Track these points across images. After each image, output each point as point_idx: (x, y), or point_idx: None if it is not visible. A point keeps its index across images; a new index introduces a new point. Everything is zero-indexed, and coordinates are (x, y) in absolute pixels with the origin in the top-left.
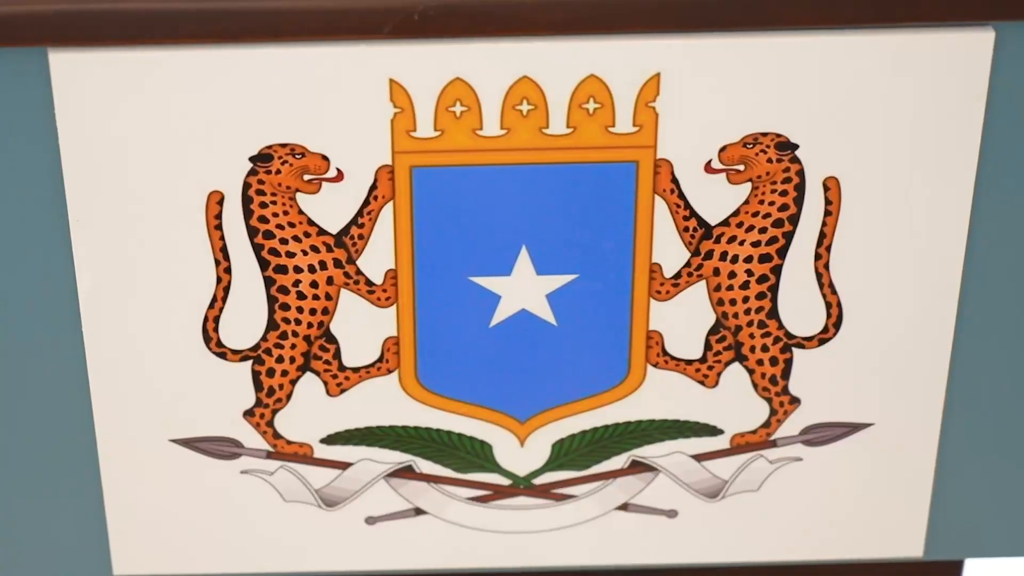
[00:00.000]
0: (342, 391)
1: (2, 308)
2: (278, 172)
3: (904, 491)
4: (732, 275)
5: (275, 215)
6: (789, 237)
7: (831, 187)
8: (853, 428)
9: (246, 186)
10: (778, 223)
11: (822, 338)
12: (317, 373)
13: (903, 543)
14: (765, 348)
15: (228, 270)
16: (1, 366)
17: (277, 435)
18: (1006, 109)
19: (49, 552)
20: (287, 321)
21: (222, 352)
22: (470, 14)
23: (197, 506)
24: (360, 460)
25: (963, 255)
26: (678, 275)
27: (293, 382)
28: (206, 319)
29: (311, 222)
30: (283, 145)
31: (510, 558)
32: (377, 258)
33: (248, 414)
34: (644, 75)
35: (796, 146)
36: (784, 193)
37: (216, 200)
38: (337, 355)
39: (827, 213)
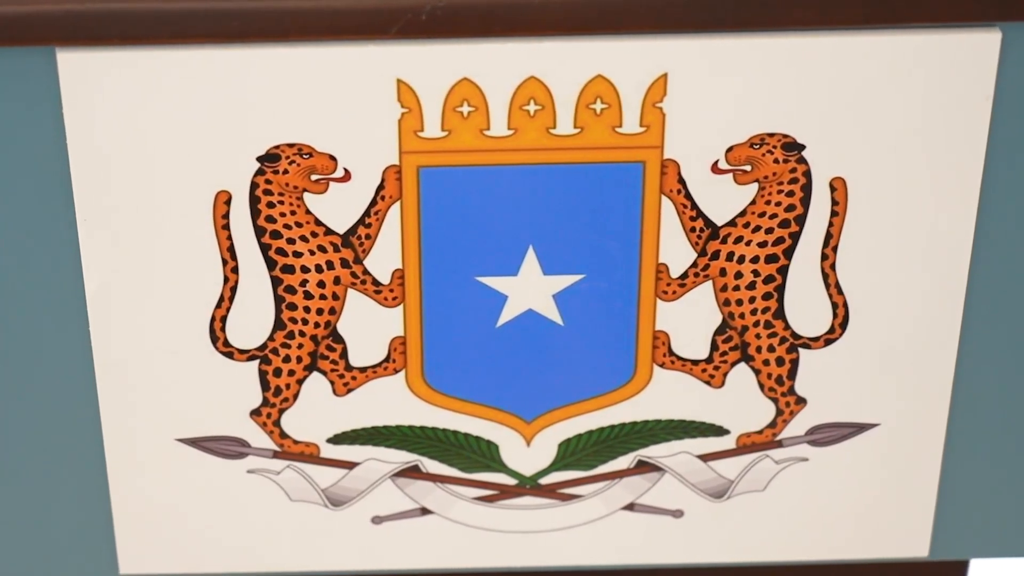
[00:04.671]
0: (349, 391)
1: (10, 307)
2: (285, 172)
3: (910, 491)
4: (739, 275)
5: (282, 215)
6: (796, 237)
7: (838, 188)
8: (859, 428)
9: (253, 186)
10: (785, 223)
11: (828, 338)
12: (324, 373)
13: (908, 543)
14: (771, 348)
15: (235, 270)
16: (8, 365)
17: (284, 435)
18: (1012, 109)
19: (55, 551)
20: (294, 321)
21: (229, 352)
22: (477, 14)
23: (203, 505)
24: (366, 460)
25: (969, 255)
26: (685, 275)
27: (300, 382)
28: (213, 318)
29: (318, 222)
30: (290, 145)
31: (516, 558)
32: (384, 258)
33: (255, 414)
34: (651, 75)
35: (803, 147)
36: (791, 193)
37: (223, 200)
38: (344, 355)
39: (833, 214)
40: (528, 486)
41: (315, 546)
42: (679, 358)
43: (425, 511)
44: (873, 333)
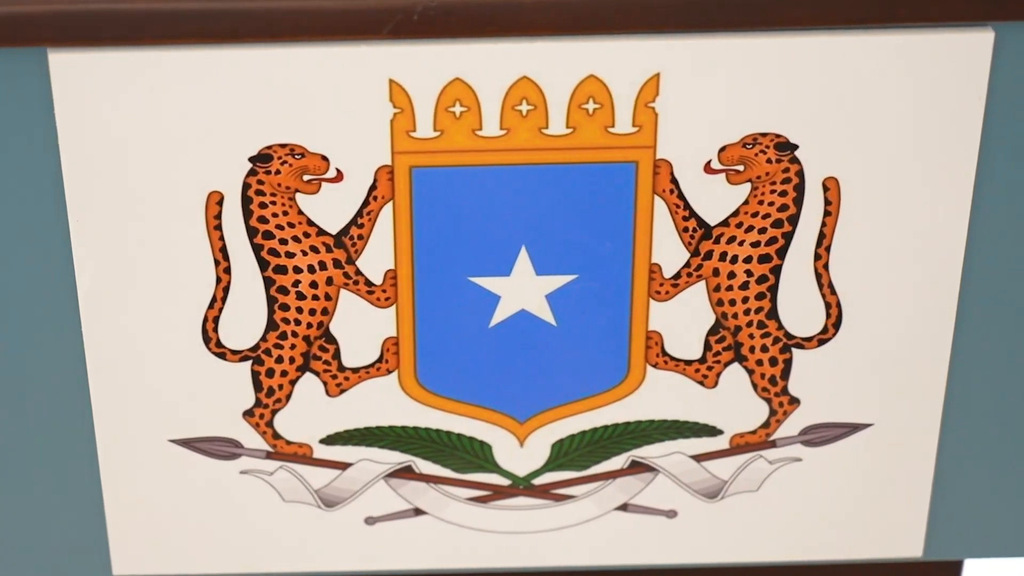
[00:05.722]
0: (342, 391)
1: (2, 308)
2: (278, 172)
3: (903, 491)
4: (731, 275)
5: (275, 215)
6: (788, 237)
7: (830, 187)
8: (852, 428)
9: (246, 186)
10: (777, 223)
11: (821, 338)
12: (317, 373)
13: (902, 543)
14: (764, 348)
15: (228, 270)
16: (1, 366)
17: (277, 435)
18: (1005, 109)
19: (49, 552)
20: (287, 321)
21: (221, 352)
22: (470, 14)
23: (196, 506)
24: (359, 460)
25: (962, 255)
26: (677, 275)
27: (293, 382)
28: (206, 319)
29: (311, 222)
30: (283, 145)
31: (509, 558)
32: (376, 258)
33: (248, 414)
34: (644, 75)
35: (795, 146)
36: (784, 193)
37: (216, 200)
38: (337, 355)
39: (826, 213)
40: (521, 486)
41: (308, 547)
42: (672, 358)
43: (418, 512)
44: (867, 333)
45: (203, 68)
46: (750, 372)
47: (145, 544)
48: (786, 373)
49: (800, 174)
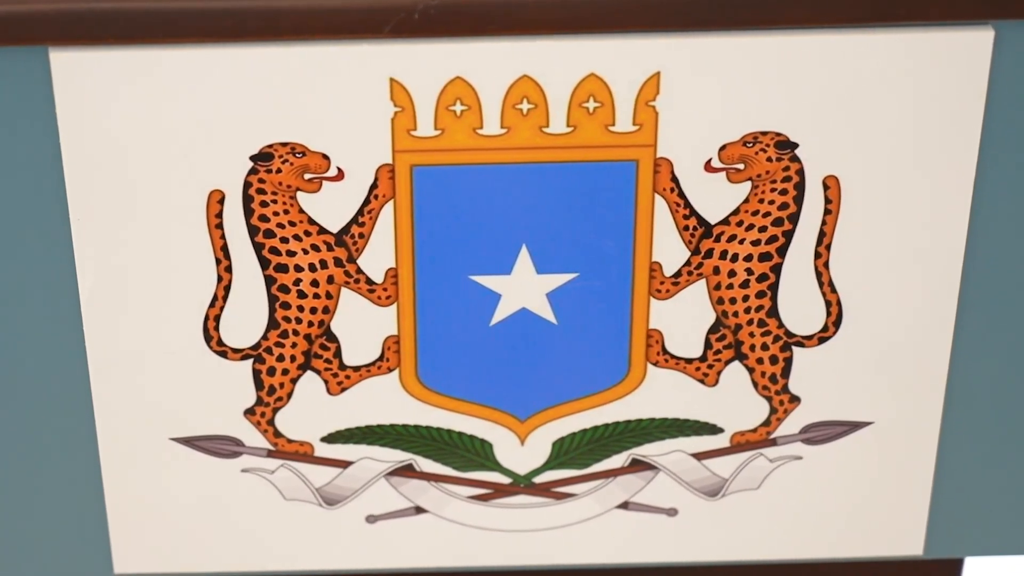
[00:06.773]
0: (343, 390)
1: (3, 307)
2: (279, 171)
3: (904, 489)
4: (732, 274)
5: (276, 214)
6: (789, 236)
7: (831, 186)
8: (853, 426)
9: (247, 185)
10: (778, 222)
11: (822, 337)
12: (318, 372)
13: (903, 541)
14: (765, 347)
15: (229, 269)
16: (2, 365)
17: (278, 434)
18: (1005, 108)
19: (50, 550)
20: (288, 320)
21: (223, 351)
22: (470, 13)
23: (198, 504)
24: (360, 459)
25: (963, 253)
26: (678, 274)
27: (294, 381)
28: (207, 318)
29: (312, 221)
30: (284, 144)
31: (510, 557)
32: (377, 257)
33: (249, 413)
34: (644, 74)
35: (796, 145)
36: (784, 192)
37: (217, 199)
38: (338, 354)
39: (827, 212)
40: (522, 485)
41: (309, 545)
42: (673, 356)
43: (419, 510)
44: (867, 331)
45: (204, 67)
46: (750, 370)
47: (146, 542)
48: (786, 371)
49: (800, 172)
